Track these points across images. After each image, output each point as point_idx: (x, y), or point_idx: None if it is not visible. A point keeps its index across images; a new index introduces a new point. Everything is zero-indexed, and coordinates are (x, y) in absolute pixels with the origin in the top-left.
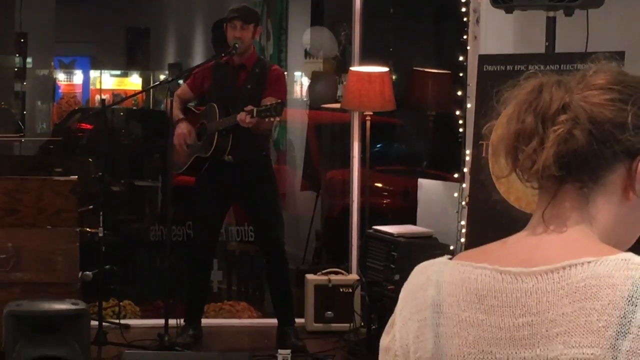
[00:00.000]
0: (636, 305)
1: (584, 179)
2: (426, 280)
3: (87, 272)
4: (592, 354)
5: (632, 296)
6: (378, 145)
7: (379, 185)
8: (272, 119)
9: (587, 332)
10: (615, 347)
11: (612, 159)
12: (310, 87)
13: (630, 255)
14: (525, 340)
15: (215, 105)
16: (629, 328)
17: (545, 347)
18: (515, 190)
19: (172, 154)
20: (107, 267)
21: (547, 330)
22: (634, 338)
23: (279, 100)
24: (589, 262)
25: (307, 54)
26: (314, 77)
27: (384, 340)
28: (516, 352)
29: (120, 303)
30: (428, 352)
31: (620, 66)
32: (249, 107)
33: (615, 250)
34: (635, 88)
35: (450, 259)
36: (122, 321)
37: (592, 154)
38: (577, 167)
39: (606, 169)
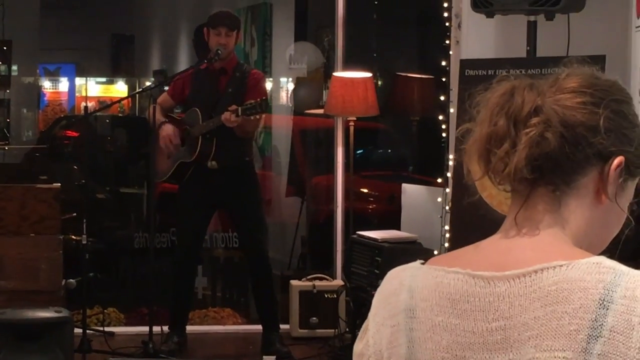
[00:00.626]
0: (608, 309)
1: (557, 182)
2: (399, 285)
3: (71, 280)
4: (563, 358)
5: (604, 299)
6: (359, 151)
7: (365, 190)
8: (257, 117)
9: (559, 335)
10: (587, 351)
11: (584, 162)
12: (294, 92)
13: (602, 258)
14: (499, 344)
15: (197, 109)
16: (600, 331)
17: (518, 351)
18: (497, 194)
19: (155, 161)
20: (91, 274)
21: (519, 334)
22: (605, 341)
23: (263, 97)
24: (560, 266)
25: (291, 60)
26: (298, 83)
27: (358, 346)
28: (489, 357)
29: (105, 310)
30: (401, 357)
31: (594, 70)
32: (233, 107)
33: (587, 253)
34: (607, 91)
35: (423, 263)
36: (107, 329)
37: (564, 157)
38: (549, 170)
39: (578, 172)
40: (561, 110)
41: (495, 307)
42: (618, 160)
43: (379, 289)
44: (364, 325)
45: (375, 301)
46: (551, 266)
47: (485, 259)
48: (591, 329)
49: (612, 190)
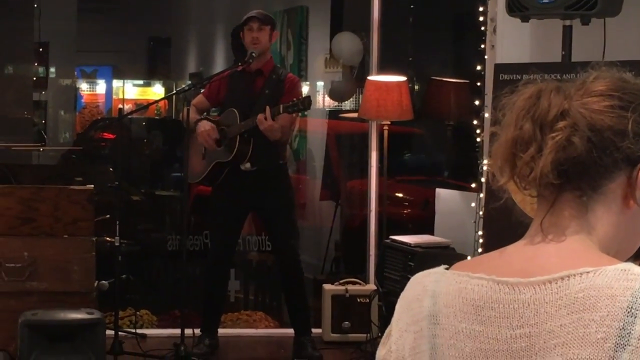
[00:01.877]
0: (635, 317)
1: (583, 187)
2: (422, 291)
3: (103, 282)
4: None
5: (632, 307)
6: (406, 156)
7: (400, 195)
8: (294, 116)
9: (586, 343)
10: (614, 359)
11: (612, 167)
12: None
13: (630, 265)
14: (523, 352)
15: (234, 110)
16: (628, 340)
17: (543, 359)
18: (530, 199)
19: (190, 162)
20: (124, 276)
21: (544, 342)
22: (633, 350)
23: (307, 95)
24: (587, 273)
25: (327, 63)
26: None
27: (380, 352)
28: None
29: (138, 312)
30: None
31: (623, 73)
32: (268, 109)
33: (615, 260)
34: (636, 95)
35: (447, 268)
36: (139, 331)
37: (592, 161)
38: (576, 175)
39: (606, 177)
40: (588, 114)
41: (520, 313)
42: None
43: (402, 294)
44: (387, 331)
45: (398, 306)
46: (578, 273)
47: (511, 265)
48: (619, 337)
49: None
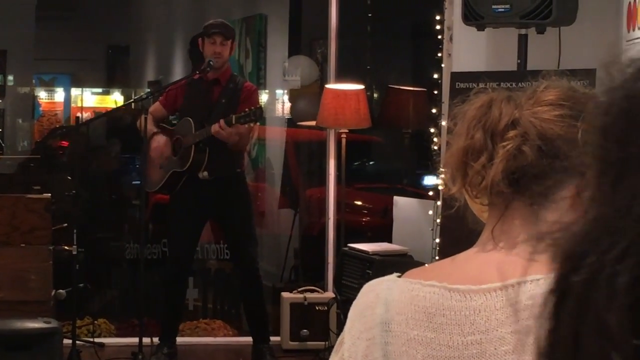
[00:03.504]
0: None
1: (534, 195)
2: (375, 299)
3: (61, 290)
4: None
5: None
6: (356, 163)
7: (359, 203)
8: (250, 128)
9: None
10: None
11: (562, 175)
12: (292, 104)
13: None
14: (474, 358)
15: (190, 119)
16: None
17: None
18: (484, 208)
19: (148, 171)
20: (81, 285)
21: (495, 349)
22: None
23: (258, 106)
24: (537, 280)
25: (286, 72)
26: (293, 95)
27: None
28: None
29: (95, 321)
30: None
31: (573, 83)
32: (222, 121)
33: None
34: (586, 104)
35: (400, 276)
36: (97, 339)
37: (542, 170)
38: (526, 184)
39: (556, 186)
40: (539, 123)
41: (472, 320)
42: None
43: (354, 302)
44: (339, 339)
45: (351, 314)
46: (528, 280)
47: (462, 273)
48: None
49: None
